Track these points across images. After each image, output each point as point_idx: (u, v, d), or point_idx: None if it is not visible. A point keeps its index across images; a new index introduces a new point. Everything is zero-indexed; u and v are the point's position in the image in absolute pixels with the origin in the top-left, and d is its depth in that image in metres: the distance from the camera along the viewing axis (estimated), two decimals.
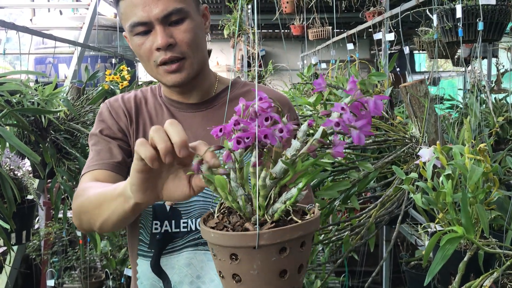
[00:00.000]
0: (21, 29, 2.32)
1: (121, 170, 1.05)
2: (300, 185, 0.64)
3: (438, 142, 1.29)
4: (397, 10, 2.38)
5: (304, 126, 0.65)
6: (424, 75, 7.93)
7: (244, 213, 0.65)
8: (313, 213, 0.68)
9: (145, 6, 0.97)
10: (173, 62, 1.01)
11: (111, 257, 3.27)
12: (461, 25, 1.89)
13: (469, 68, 4.10)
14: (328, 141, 0.65)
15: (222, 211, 0.69)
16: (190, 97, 1.12)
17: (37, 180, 2.76)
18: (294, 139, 0.66)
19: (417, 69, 9.64)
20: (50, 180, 2.58)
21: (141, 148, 0.68)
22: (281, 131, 0.63)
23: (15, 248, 2.55)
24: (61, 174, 2.36)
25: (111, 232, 2.92)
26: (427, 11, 2.72)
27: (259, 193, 0.65)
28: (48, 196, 3.24)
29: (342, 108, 0.61)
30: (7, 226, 1.22)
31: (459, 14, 1.83)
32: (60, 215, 2.55)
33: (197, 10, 1.06)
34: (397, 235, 1.77)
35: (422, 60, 10.38)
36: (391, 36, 2.26)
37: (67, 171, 2.42)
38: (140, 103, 1.15)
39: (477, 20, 1.67)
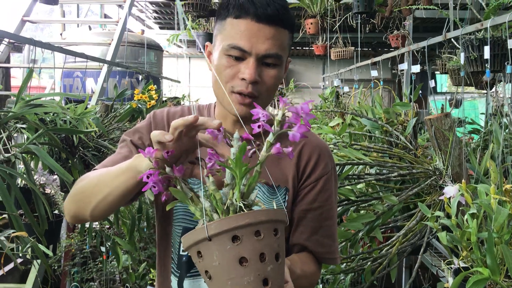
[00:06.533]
0: (56, 49, 2.41)
1: None
2: (236, 181, 0.73)
3: (463, 180, 1.31)
4: (424, 43, 2.41)
5: (236, 134, 0.76)
6: (445, 96, 7.88)
7: (210, 219, 0.73)
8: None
9: (252, 37, 0.99)
10: (248, 96, 1.03)
11: (131, 271, 3.31)
12: (489, 67, 1.90)
13: (492, 89, 4.09)
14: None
15: None
16: (241, 128, 1.12)
17: (63, 194, 2.83)
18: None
19: (438, 90, 9.59)
20: None
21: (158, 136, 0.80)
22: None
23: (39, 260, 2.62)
24: None
25: (132, 246, 2.97)
26: (452, 38, 2.75)
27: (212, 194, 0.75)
28: None
29: (264, 115, 0.77)
30: (49, 253, 1.27)
31: (486, 55, 1.85)
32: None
33: (286, 60, 1.08)
34: (419, 266, 1.78)
35: (443, 81, 10.32)
36: (416, 68, 2.29)
37: None
38: None
39: (506, 63, 1.69)
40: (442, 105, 6.55)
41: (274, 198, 1.11)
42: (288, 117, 0.76)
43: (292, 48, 8.26)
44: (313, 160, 1.13)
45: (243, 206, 0.72)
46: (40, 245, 1.26)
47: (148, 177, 0.78)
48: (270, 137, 0.75)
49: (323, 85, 7.09)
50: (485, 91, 4.77)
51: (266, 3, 0.99)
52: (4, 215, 2.00)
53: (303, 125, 0.74)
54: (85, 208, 0.98)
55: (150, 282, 3.29)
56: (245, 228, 0.68)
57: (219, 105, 1.13)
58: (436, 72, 8.30)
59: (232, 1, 1.03)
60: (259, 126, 0.74)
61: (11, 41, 3.68)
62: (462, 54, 2.17)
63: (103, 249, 2.80)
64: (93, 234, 2.74)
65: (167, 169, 0.79)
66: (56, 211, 2.42)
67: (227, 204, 0.73)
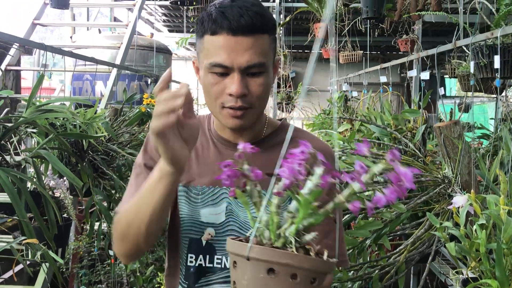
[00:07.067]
0: (67, 54, 2.43)
1: None
2: (298, 218, 0.72)
3: (472, 191, 1.31)
4: (433, 51, 2.40)
5: (318, 170, 0.72)
6: (454, 100, 7.84)
7: (261, 234, 0.73)
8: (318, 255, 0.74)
9: (231, 52, 0.98)
10: (239, 109, 1.03)
11: (138, 274, 3.33)
12: (499, 76, 1.90)
13: (502, 94, 4.06)
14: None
15: None
16: (240, 137, 1.13)
17: (72, 197, 2.85)
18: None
19: (447, 94, 9.53)
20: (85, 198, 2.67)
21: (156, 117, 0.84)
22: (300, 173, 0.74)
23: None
24: (97, 194, 2.45)
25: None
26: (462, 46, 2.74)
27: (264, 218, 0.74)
28: (79, 208, 3.34)
29: (361, 167, 0.70)
30: (60, 260, 1.29)
31: (497, 64, 1.84)
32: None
33: (273, 62, 1.07)
34: (427, 274, 1.78)
35: (452, 85, 10.27)
36: (426, 75, 2.28)
37: (102, 191, 2.50)
38: None
39: None
40: (451, 109, 6.51)
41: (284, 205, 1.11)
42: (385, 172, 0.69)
43: (301, 51, 8.26)
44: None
45: (293, 243, 0.71)
46: (50, 252, 1.28)
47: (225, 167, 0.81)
48: (357, 187, 0.71)
49: (332, 89, 7.08)
50: (494, 95, 4.74)
51: (239, 14, 0.98)
52: (13, 218, 2.02)
53: (396, 192, 0.67)
54: (138, 239, 0.99)
55: (158, 286, 3.30)
56: (284, 267, 0.68)
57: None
58: (445, 76, 8.26)
59: (206, 17, 1.02)
60: (352, 178, 0.70)
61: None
62: (472, 63, 2.16)
63: (111, 252, 2.81)
64: (101, 236, 2.76)
65: (245, 166, 0.80)
66: (65, 215, 2.44)
67: (281, 232, 0.72)
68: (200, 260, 1.11)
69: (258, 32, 0.99)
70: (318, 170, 0.72)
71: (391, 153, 0.68)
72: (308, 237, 0.73)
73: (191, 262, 1.12)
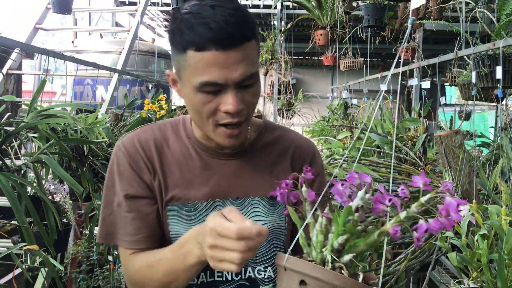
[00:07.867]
0: (69, 59, 2.43)
1: (154, 242, 1.05)
2: (336, 237, 0.73)
3: (474, 201, 1.30)
4: (434, 60, 2.41)
5: (361, 193, 0.74)
6: (454, 108, 7.85)
7: (309, 253, 0.77)
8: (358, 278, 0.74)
9: (224, 68, 0.90)
10: (235, 126, 0.97)
11: None
12: (500, 86, 1.90)
13: (503, 102, 4.07)
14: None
15: None
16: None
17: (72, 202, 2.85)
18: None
19: (447, 101, 9.55)
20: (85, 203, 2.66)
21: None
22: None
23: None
24: (97, 199, 2.44)
25: None
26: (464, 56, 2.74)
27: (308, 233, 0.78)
28: (78, 212, 3.34)
29: (402, 190, 0.73)
30: (61, 267, 1.29)
31: (499, 75, 1.84)
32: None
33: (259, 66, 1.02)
34: (427, 283, 1.77)
35: (453, 93, 10.29)
36: (427, 85, 2.28)
37: (102, 196, 2.50)
38: (162, 148, 1.07)
39: None
40: (451, 117, 6.51)
41: (275, 210, 1.10)
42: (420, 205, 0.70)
43: (301, 58, 8.26)
44: (307, 163, 1.13)
45: (330, 260, 0.73)
46: (50, 259, 1.27)
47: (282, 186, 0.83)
48: (403, 215, 0.71)
49: (332, 96, 7.10)
50: (495, 104, 4.75)
51: (224, 23, 0.88)
52: (12, 221, 2.02)
53: (442, 223, 0.66)
54: None
55: None
56: (314, 280, 0.71)
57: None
58: (445, 84, 8.27)
59: (184, 29, 0.91)
60: (389, 200, 0.71)
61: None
62: (474, 73, 2.16)
63: (110, 258, 2.81)
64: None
65: (303, 188, 0.82)
66: (64, 219, 2.43)
67: (322, 250, 0.75)
68: (202, 278, 1.08)
69: (246, 40, 0.92)
70: (360, 193, 0.74)
71: (444, 185, 0.69)
72: (347, 257, 0.74)
73: (193, 280, 1.08)
